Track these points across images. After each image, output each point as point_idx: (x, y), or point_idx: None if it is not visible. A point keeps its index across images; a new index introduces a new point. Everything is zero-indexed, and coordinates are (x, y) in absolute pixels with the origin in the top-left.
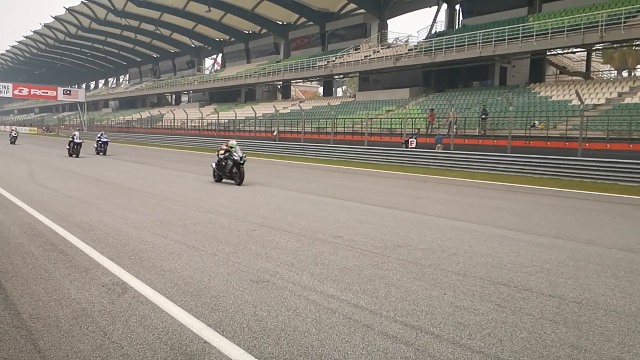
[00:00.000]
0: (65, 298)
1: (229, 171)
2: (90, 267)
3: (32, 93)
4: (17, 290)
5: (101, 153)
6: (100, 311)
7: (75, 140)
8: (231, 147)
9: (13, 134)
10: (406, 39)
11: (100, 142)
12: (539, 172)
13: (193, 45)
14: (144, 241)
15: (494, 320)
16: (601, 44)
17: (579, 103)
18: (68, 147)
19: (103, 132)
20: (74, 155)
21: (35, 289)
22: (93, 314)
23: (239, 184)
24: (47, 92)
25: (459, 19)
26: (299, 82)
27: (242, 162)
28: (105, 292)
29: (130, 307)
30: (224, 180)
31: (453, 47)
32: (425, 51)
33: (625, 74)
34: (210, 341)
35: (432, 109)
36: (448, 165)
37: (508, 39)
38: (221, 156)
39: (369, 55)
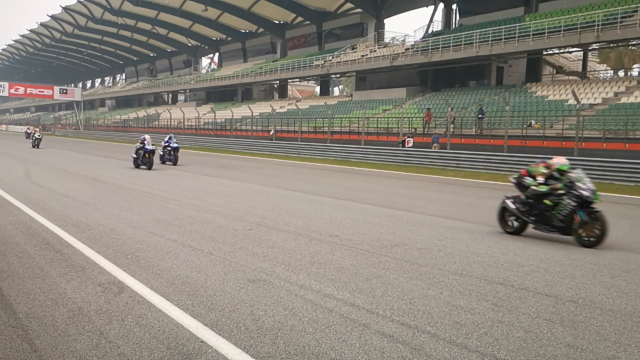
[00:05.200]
0: (61, 297)
1: (564, 219)
2: (87, 266)
3: (28, 92)
4: (13, 290)
5: (169, 162)
6: (97, 310)
7: (147, 147)
8: (562, 170)
9: (37, 135)
10: (403, 39)
11: (169, 149)
12: None
13: (190, 45)
14: (141, 240)
15: (490, 319)
16: (597, 44)
17: (575, 103)
18: (135, 157)
19: (172, 135)
20: (144, 167)
21: (31, 289)
22: (89, 313)
23: (594, 244)
24: (43, 91)
25: (455, 19)
26: (296, 81)
27: (594, 199)
28: (101, 292)
29: (127, 307)
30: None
31: (450, 46)
32: (422, 51)
33: (621, 73)
34: (207, 340)
35: (428, 109)
36: (445, 164)
37: (505, 38)
38: (539, 188)
39: (366, 55)
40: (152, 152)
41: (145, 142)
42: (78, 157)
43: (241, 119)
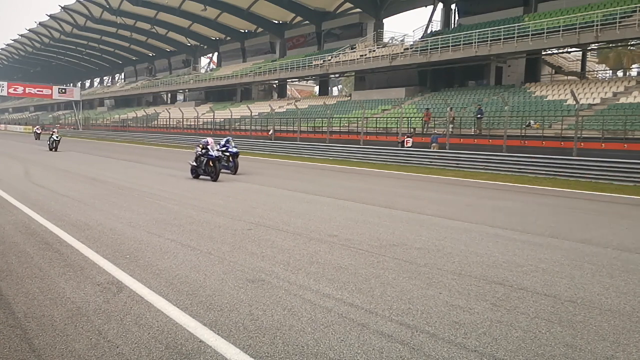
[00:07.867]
0: (60, 297)
1: None
2: (86, 266)
3: (27, 92)
4: (12, 290)
5: (227, 170)
6: (96, 310)
7: (210, 154)
8: None
9: (55, 137)
10: (402, 39)
11: (226, 154)
12: (535, 171)
13: (189, 44)
14: (140, 240)
15: (489, 319)
16: (596, 44)
17: (574, 103)
18: (195, 165)
19: (230, 138)
20: (206, 177)
21: (30, 288)
22: (88, 313)
23: None
24: (42, 91)
25: (454, 19)
26: (295, 81)
27: None
28: (100, 291)
29: (126, 306)
30: None
31: (449, 46)
32: (421, 50)
33: (620, 73)
34: (205, 340)
35: (427, 109)
36: (444, 164)
37: (504, 38)
38: None
39: (365, 55)
40: (218, 159)
41: (209, 146)
42: (79, 157)
43: (240, 118)
